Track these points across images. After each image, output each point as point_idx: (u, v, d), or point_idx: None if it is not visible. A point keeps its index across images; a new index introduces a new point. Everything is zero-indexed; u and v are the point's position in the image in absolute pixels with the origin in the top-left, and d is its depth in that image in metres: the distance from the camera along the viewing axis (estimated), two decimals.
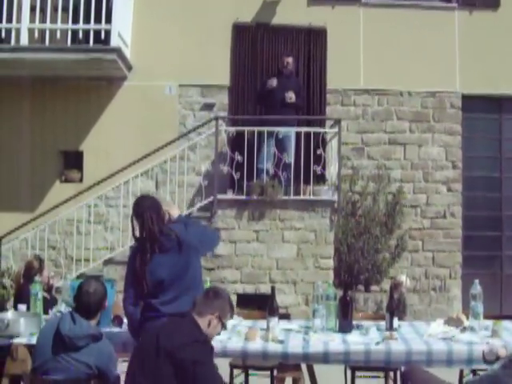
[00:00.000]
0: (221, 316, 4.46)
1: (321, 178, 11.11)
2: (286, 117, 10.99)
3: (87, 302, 4.85)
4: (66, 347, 4.64)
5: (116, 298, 6.27)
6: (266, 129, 10.74)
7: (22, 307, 6.18)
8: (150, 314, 5.12)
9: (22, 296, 6.96)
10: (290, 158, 10.84)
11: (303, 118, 11.49)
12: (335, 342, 5.37)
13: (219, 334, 4.63)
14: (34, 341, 5.11)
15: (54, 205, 10.88)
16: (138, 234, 5.32)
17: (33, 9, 10.81)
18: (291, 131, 11.00)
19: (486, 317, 5.86)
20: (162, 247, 5.21)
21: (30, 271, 7.54)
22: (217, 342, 5.08)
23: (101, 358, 4.72)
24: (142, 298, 5.18)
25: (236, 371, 6.96)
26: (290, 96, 10.97)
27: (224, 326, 4.55)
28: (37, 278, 6.63)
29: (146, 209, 5.29)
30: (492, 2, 12.20)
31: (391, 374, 6.73)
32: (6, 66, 10.90)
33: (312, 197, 10.88)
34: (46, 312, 6.18)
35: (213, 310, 4.44)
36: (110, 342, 4.87)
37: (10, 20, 10.86)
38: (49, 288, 7.81)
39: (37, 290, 6.09)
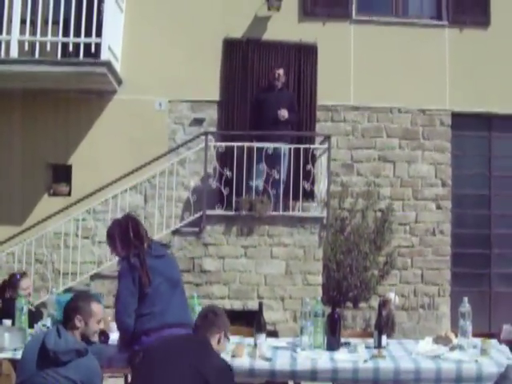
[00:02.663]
0: (225, 332, 4.73)
1: (310, 195, 11.09)
2: (276, 132, 10.95)
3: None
4: (50, 362, 4.57)
5: (103, 313, 6.20)
6: (255, 145, 10.71)
7: (7, 322, 6.11)
8: (151, 325, 5.09)
9: (7, 314, 6.85)
10: (281, 174, 10.80)
11: (293, 134, 11.46)
12: (323, 360, 5.33)
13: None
14: (18, 355, 5.04)
15: (42, 218, 10.83)
16: (122, 250, 5.42)
17: (23, 21, 10.76)
18: (283, 147, 10.95)
19: (475, 335, 5.84)
20: (157, 252, 5.40)
21: (14, 285, 7.46)
22: None
23: (86, 374, 4.65)
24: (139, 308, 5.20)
25: None
26: (283, 114, 10.90)
27: (228, 340, 4.83)
28: (20, 290, 6.58)
29: (137, 219, 5.58)
30: (482, 21, 12.25)
31: None
32: None
33: (301, 213, 10.86)
34: (31, 326, 6.11)
35: (219, 328, 4.68)
36: (94, 358, 4.81)
37: None
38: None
39: (22, 305, 6.03)
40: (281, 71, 11.31)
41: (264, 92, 11.47)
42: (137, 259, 5.22)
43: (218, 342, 4.64)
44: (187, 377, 4.23)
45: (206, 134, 11.04)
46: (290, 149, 10.97)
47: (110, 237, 5.50)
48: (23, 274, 7.80)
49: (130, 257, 5.27)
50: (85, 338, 4.88)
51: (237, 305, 10.50)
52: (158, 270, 5.26)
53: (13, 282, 7.46)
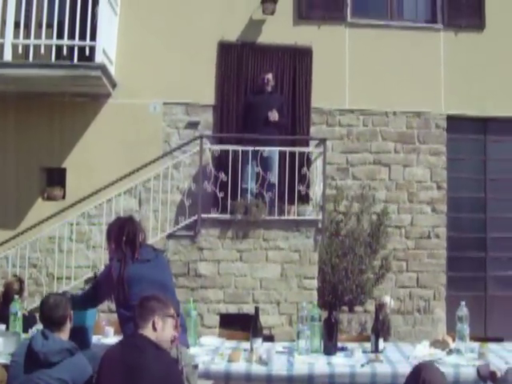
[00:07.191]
0: (161, 316, 4.35)
1: (305, 198, 11.06)
2: (270, 137, 10.90)
3: (50, 313, 4.79)
4: (40, 364, 4.56)
5: (97, 317, 6.17)
6: (250, 148, 10.66)
7: (1, 326, 6.07)
8: None
9: (1, 318, 6.82)
10: (274, 177, 10.76)
11: (288, 138, 11.44)
12: (320, 364, 5.30)
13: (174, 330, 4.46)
14: None
15: (36, 222, 10.77)
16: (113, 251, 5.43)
17: (17, 24, 10.71)
18: (275, 151, 10.92)
19: (471, 338, 5.82)
20: (143, 257, 5.36)
21: (10, 293, 7.41)
22: (200, 364, 5.04)
23: (77, 373, 4.63)
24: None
25: None
26: (274, 116, 10.88)
27: (174, 317, 4.45)
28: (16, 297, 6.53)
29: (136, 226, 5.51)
30: (477, 24, 12.26)
31: None
32: None
33: (296, 217, 10.82)
34: (25, 331, 6.07)
35: (151, 316, 4.33)
36: (84, 357, 4.76)
37: None
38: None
39: (16, 309, 5.99)
40: (269, 76, 11.26)
41: (255, 95, 11.42)
42: (117, 267, 5.22)
43: (154, 328, 4.28)
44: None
45: (200, 137, 11.00)
46: (284, 152, 10.95)
47: (108, 233, 5.55)
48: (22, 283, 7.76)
49: (113, 263, 5.29)
50: (75, 341, 4.87)
51: (232, 309, 10.46)
52: (139, 276, 5.19)
53: (11, 294, 7.37)
